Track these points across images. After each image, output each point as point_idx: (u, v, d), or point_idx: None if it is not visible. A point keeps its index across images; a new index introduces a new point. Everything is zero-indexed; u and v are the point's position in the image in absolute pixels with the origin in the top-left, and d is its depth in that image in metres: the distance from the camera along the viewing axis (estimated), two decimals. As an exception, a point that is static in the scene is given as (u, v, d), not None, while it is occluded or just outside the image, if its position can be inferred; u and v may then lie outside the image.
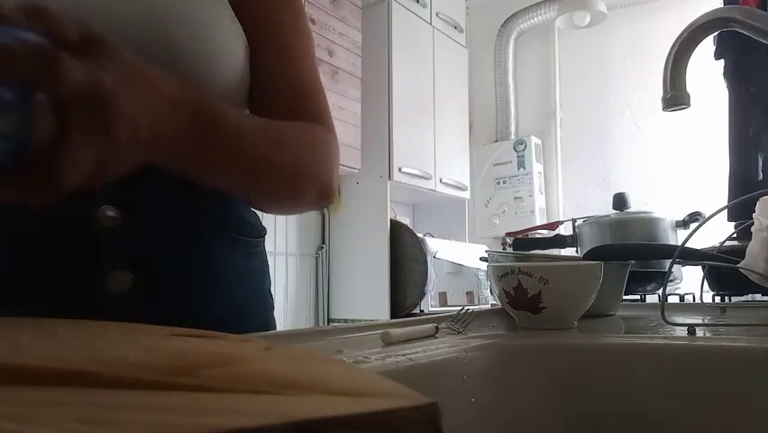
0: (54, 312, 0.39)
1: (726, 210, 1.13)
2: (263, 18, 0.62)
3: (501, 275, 0.67)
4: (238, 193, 0.59)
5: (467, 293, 2.72)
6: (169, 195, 0.54)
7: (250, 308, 0.63)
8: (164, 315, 0.44)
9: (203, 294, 0.56)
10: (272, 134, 0.57)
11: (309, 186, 0.61)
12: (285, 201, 0.65)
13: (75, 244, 0.49)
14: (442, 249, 2.60)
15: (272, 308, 0.69)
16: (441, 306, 2.53)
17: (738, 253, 0.85)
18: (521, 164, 3.46)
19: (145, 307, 0.50)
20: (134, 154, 0.38)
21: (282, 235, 2.57)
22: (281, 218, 2.55)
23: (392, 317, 2.48)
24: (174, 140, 0.42)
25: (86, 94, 0.33)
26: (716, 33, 1.50)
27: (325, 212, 2.78)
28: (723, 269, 1.03)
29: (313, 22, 2.27)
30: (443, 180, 2.97)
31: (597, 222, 1.63)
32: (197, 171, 0.50)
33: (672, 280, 1.60)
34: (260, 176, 0.56)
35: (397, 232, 2.60)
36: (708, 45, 2.01)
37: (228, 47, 0.57)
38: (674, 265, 1.03)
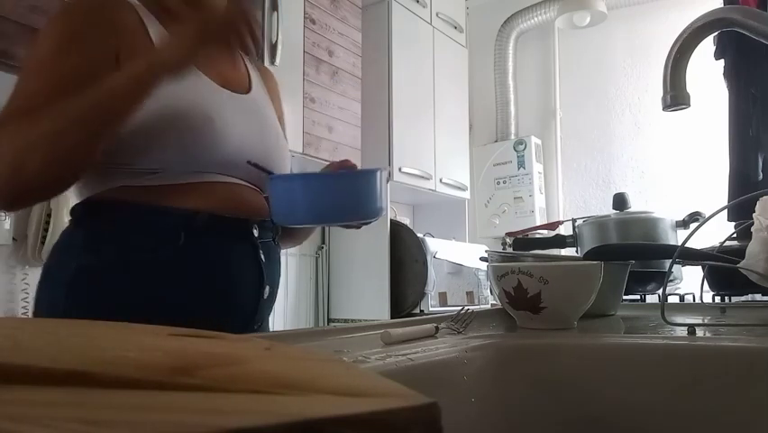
0: (235, 308, 0.84)
1: (726, 210, 1.13)
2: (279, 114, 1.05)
3: (501, 275, 0.67)
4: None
5: (467, 293, 2.72)
6: (273, 242, 0.91)
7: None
8: (270, 307, 0.92)
9: (277, 296, 0.93)
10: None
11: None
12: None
13: (250, 269, 0.85)
14: (442, 249, 2.60)
15: None
16: (441, 306, 2.52)
17: (738, 253, 0.85)
18: (521, 164, 3.46)
19: (269, 305, 0.91)
20: None
21: (282, 235, 2.57)
22: (281, 218, 2.55)
23: (392, 317, 2.48)
24: None
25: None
26: (716, 33, 1.50)
27: (325, 212, 2.78)
28: (723, 269, 1.03)
29: (313, 22, 2.27)
30: (443, 180, 2.96)
31: (597, 222, 1.63)
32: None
33: (672, 280, 1.60)
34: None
35: (397, 232, 2.60)
36: (708, 45, 2.01)
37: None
38: (674, 265, 1.03)
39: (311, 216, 0.76)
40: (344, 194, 0.74)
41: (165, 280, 0.78)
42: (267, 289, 0.86)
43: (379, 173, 0.75)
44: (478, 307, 1.70)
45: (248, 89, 0.92)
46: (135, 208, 0.78)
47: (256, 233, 0.85)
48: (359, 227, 0.87)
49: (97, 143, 0.72)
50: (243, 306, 0.84)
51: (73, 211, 0.83)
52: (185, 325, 0.64)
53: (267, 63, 2.04)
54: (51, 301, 0.79)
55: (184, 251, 0.78)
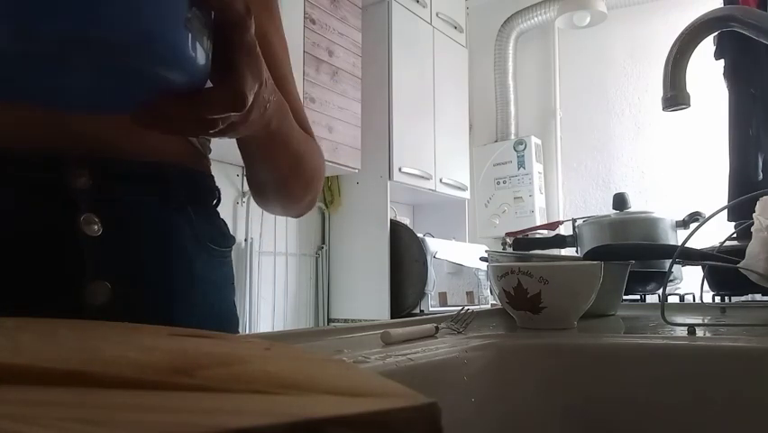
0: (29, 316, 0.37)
1: (726, 210, 1.13)
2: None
3: (501, 275, 0.67)
4: (273, 185, 0.63)
5: (467, 293, 2.72)
6: (147, 205, 0.53)
7: (225, 318, 0.62)
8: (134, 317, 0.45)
9: (181, 304, 0.55)
10: (303, 139, 0.61)
11: (315, 192, 0.68)
12: (296, 202, 0.68)
13: (55, 253, 0.48)
14: (442, 249, 2.60)
15: (238, 320, 0.67)
16: (441, 306, 2.53)
17: (738, 253, 0.84)
18: (521, 164, 3.46)
19: (125, 317, 0.44)
20: (261, 116, 0.43)
21: (282, 235, 2.57)
22: (281, 219, 2.55)
23: (392, 317, 2.48)
24: (270, 115, 0.46)
25: (252, 38, 0.38)
26: (716, 33, 1.50)
27: (325, 212, 2.78)
28: (723, 269, 1.03)
29: (313, 22, 2.27)
30: (443, 180, 2.97)
31: (597, 222, 1.63)
32: (263, 152, 0.56)
33: (672, 280, 1.60)
34: (295, 172, 0.62)
35: (397, 232, 2.60)
36: (708, 45, 2.01)
37: None
38: (674, 265, 1.03)
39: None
40: None
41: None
42: (105, 286, 0.49)
43: None
44: (478, 307, 1.70)
45: None
46: None
47: (82, 182, 0.49)
48: (175, 131, 0.45)
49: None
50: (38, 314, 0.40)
51: None
52: None
53: (267, 63, 2.04)
54: None
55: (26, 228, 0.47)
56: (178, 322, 0.53)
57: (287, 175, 0.62)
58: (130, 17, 0.30)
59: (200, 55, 0.34)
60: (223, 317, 0.61)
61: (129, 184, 0.51)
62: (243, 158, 0.59)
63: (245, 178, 0.66)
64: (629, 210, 1.63)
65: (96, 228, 0.48)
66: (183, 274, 0.55)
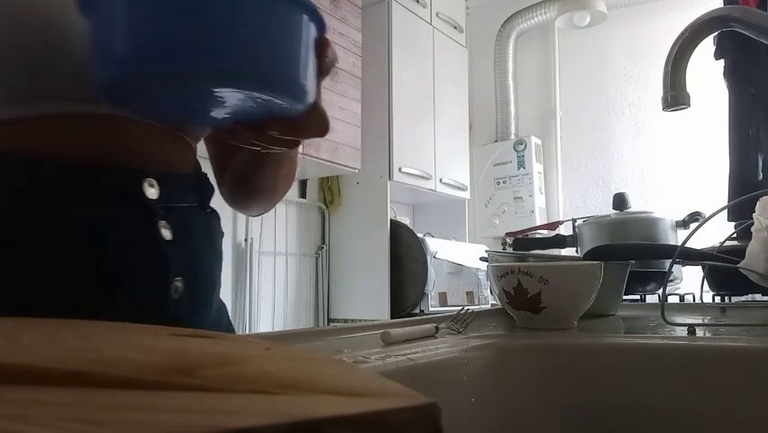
0: (125, 316, 0.41)
1: (726, 210, 1.13)
2: None
3: (501, 275, 0.67)
4: (269, 189, 0.69)
5: (467, 293, 2.72)
6: (194, 210, 0.60)
7: (223, 306, 0.68)
8: (195, 314, 0.57)
9: (217, 294, 0.64)
10: None
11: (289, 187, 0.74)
12: (276, 202, 0.74)
13: (146, 255, 0.53)
14: (442, 249, 2.60)
15: None
16: (441, 306, 2.53)
17: (738, 253, 0.84)
18: (521, 164, 3.46)
19: (189, 310, 0.56)
20: None
21: (282, 235, 2.57)
22: (281, 219, 2.55)
23: (392, 317, 2.48)
24: None
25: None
26: (716, 33, 1.50)
27: (325, 212, 2.78)
28: (723, 269, 1.03)
29: (313, 22, 2.27)
30: (443, 180, 2.97)
31: (597, 222, 1.63)
32: (278, 162, 0.65)
33: (672, 280, 1.60)
34: (291, 177, 0.70)
35: (397, 232, 2.60)
36: (708, 45, 2.01)
37: None
38: (674, 265, 1.03)
39: (145, 63, 0.37)
40: (224, 25, 0.37)
41: None
42: (179, 282, 0.54)
43: (302, 12, 0.42)
44: (478, 307, 1.70)
45: None
46: None
47: (153, 193, 0.53)
48: (291, 143, 0.49)
49: None
50: (133, 310, 0.51)
51: None
52: None
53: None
54: None
55: (21, 219, 0.49)
56: (215, 310, 0.63)
57: (284, 181, 0.69)
58: (275, 62, 0.39)
59: (312, 91, 0.42)
60: (222, 305, 0.68)
61: (181, 193, 0.57)
62: (248, 166, 0.65)
63: (224, 179, 0.71)
64: (629, 210, 1.63)
65: (169, 233, 0.54)
66: (219, 267, 0.64)
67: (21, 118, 0.49)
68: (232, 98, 0.40)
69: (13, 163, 0.49)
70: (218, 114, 0.44)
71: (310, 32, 0.43)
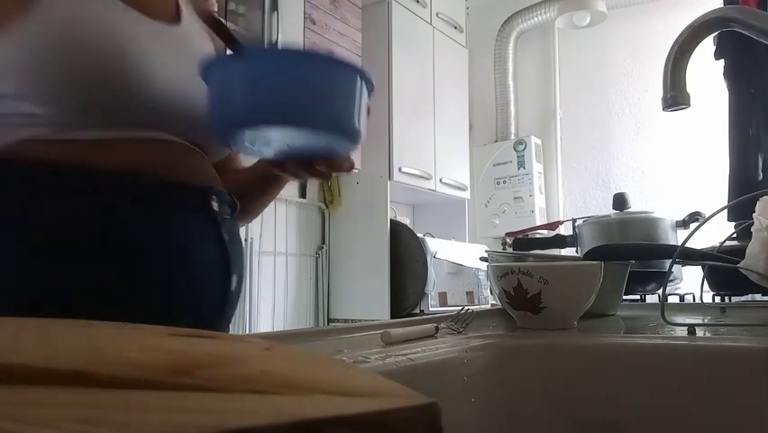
0: (203, 308, 0.65)
1: (726, 210, 1.13)
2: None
3: (501, 275, 0.68)
4: (257, 212, 0.86)
5: (467, 293, 2.72)
6: (234, 220, 0.74)
7: None
8: (237, 303, 0.72)
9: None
10: None
11: None
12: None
13: (219, 257, 0.67)
14: (442, 249, 2.60)
15: None
16: (441, 306, 2.53)
17: (738, 253, 0.85)
18: (521, 164, 3.46)
19: (236, 300, 0.71)
20: None
21: (282, 235, 2.57)
22: (281, 219, 2.55)
23: (392, 317, 2.48)
24: None
25: None
26: (716, 33, 1.50)
27: (325, 212, 2.78)
28: (723, 269, 1.03)
29: (313, 22, 2.27)
30: (443, 180, 2.97)
31: (597, 222, 1.63)
32: (273, 196, 0.84)
33: (672, 280, 1.60)
34: (272, 199, 0.86)
35: (397, 232, 2.60)
36: (708, 45, 2.01)
37: None
38: (674, 265, 1.03)
39: (259, 114, 0.53)
40: (309, 86, 0.52)
41: (98, 267, 0.58)
42: (234, 278, 0.68)
43: (360, 78, 0.55)
44: (478, 307, 1.70)
45: (176, 18, 0.72)
46: (54, 168, 0.57)
47: (216, 206, 0.67)
48: (327, 175, 0.66)
49: None
50: (209, 301, 0.66)
51: None
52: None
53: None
54: None
55: (123, 227, 0.59)
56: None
57: (267, 204, 0.86)
58: (346, 114, 0.54)
59: (364, 135, 0.56)
60: None
61: (226, 206, 0.70)
62: (249, 191, 0.80)
63: None
64: (629, 210, 1.63)
65: (228, 238, 0.68)
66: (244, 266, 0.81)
67: (119, 139, 0.61)
68: (310, 139, 0.57)
69: (122, 178, 0.60)
70: (294, 152, 0.61)
71: (365, 92, 0.56)
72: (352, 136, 0.55)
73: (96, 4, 0.60)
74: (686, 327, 0.62)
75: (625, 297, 0.94)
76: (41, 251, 0.56)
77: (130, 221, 0.59)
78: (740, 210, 1.15)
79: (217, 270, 0.66)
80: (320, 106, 0.53)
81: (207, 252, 0.65)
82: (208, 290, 0.65)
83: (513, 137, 3.55)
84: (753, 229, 0.82)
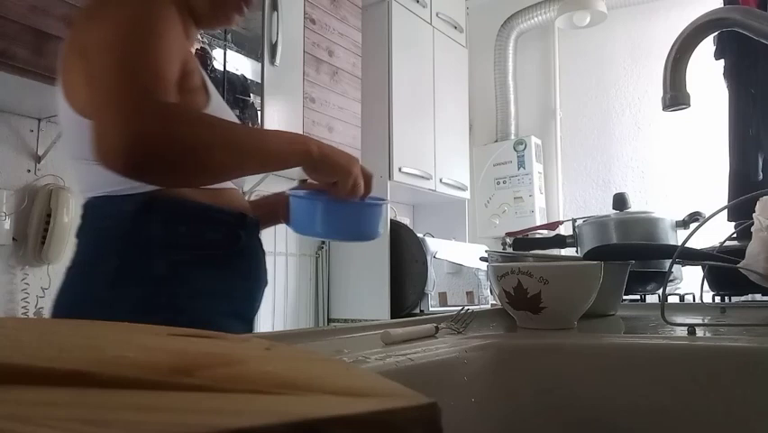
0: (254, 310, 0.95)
1: (726, 210, 1.13)
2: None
3: (501, 275, 0.67)
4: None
5: (467, 293, 2.72)
6: (260, 238, 0.97)
7: None
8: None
9: None
10: None
11: None
12: None
13: (263, 268, 0.97)
14: (442, 249, 2.60)
15: None
16: (441, 306, 2.52)
17: (738, 253, 0.85)
18: (521, 164, 3.46)
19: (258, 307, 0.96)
20: None
21: (282, 235, 2.57)
22: (281, 218, 2.55)
23: (392, 317, 2.48)
24: None
25: None
26: (716, 33, 1.50)
27: (325, 212, 2.78)
28: (723, 269, 1.03)
29: (313, 22, 2.27)
30: (443, 180, 2.97)
31: (597, 222, 1.63)
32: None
33: (672, 281, 1.60)
34: None
35: (397, 232, 2.60)
36: (708, 45, 2.01)
37: None
38: (674, 265, 1.03)
39: (325, 233, 0.89)
40: (358, 218, 0.87)
41: (234, 277, 0.88)
42: (264, 284, 0.96)
43: (384, 205, 0.92)
44: (478, 307, 1.70)
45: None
46: (197, 206, 0.82)
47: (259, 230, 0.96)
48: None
49: (222, 174, 0.76)
50: (260, 302, 0.95)
51: (101, 206, 0.80)
52: (243, 322, 0.90)
53: (267, 63, 2.04)
54: (109, 301, 0.76)
55: (244, 248, 0.89)
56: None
57: None
58: (372, 228, 0.88)
59: (380, 234, 0.90)
60: None
61: (257, 228, 0.96)
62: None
63: None
64: (629, 210, 1.63)
65: (264, 252, 0.96)
66: None
67: (222, 188, 0.88)
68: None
69: (232, 213, 0.88)
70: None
71: (383, 212, 0.90)
72: (377, 236, 0.89)
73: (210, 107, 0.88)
74: (686, 327, 0.62)
75: (625, 297, 0.94)
76: (206, 260, 0.83)
77: (247, 242, 0.89)
78: (740, 210, 1.15)
79: (264, 277, 0.96)
80: (363, 233, 0.88)
81: (263, 263, 0.96)
82: (262, 291, 0.95)
83: (513, 137, 3.55)
84: (753, 229, 0.82)
